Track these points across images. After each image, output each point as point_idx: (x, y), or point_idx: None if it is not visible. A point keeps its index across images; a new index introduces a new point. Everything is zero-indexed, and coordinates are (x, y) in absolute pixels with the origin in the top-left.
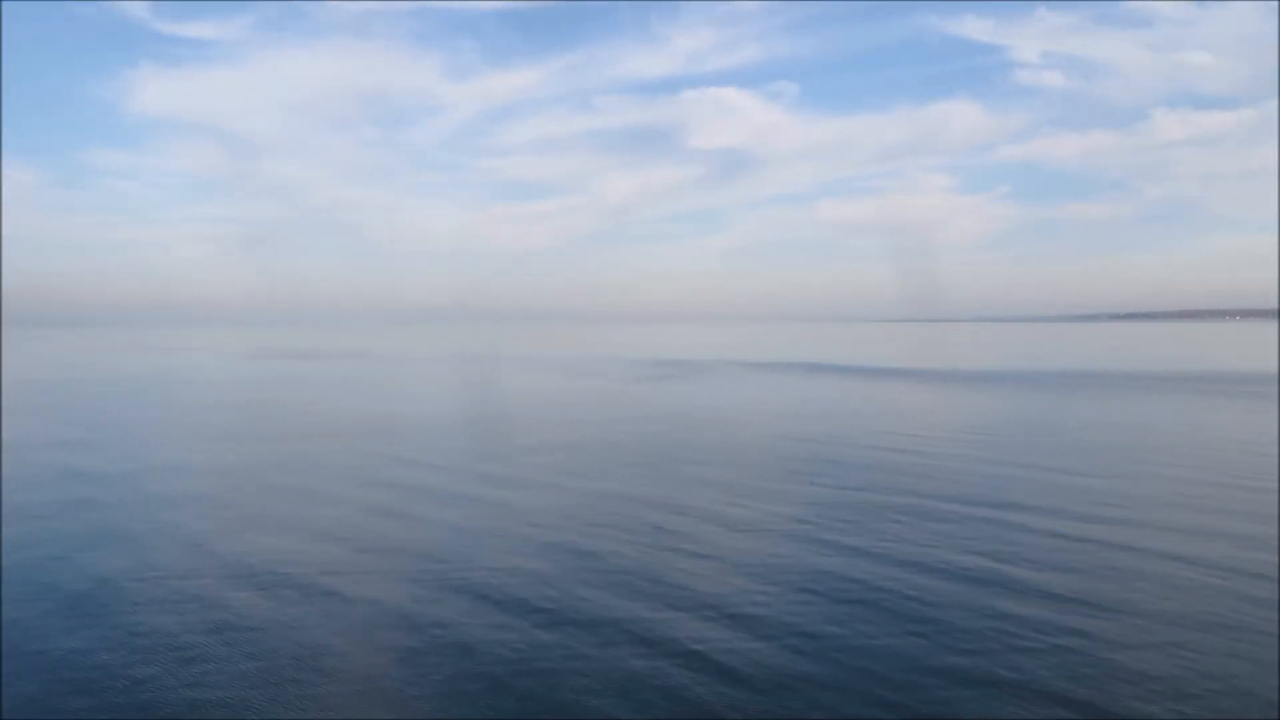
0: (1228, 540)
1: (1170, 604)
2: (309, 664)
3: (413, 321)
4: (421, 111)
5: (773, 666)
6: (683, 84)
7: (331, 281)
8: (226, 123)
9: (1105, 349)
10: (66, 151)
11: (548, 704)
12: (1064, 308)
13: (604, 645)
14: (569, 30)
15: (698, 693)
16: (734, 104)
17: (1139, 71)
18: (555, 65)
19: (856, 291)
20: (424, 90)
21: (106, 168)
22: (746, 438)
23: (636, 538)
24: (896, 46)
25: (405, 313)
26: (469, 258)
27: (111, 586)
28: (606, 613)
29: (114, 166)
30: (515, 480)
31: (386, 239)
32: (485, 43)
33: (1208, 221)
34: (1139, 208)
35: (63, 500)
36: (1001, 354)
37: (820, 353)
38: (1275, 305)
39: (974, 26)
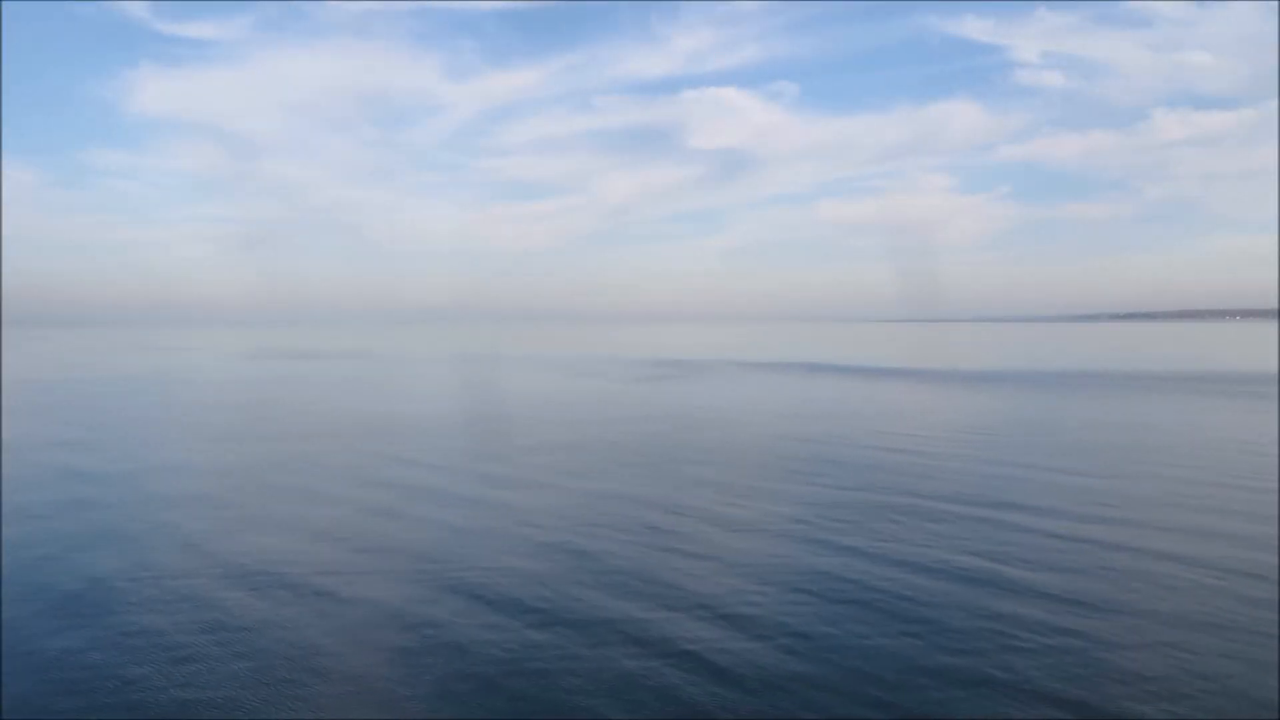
0: (1227, 541)
1: (1167, 604)
2: (301, 664)
3: (413, 321)
4: (421, 111)
5: (765, 666)
6: (683, 84)
7: (331, 281)
8: (226, 123)
9: (1105, 349)
10: (66, 151)
11: (540, 704)
12: (1064, 308)
13: (597, 645)
14: (569, 30)
15: (690, 693)
16: (734, 104)
17: (1139, 71)
18: (555, 65)
19: (856, 291)
20: (424, 90)
21: (106, 168)
22: (746, 438)
23: (633, 538)
24: (896, 46)
25: (405, 313)
26: (469, 258)
27: (105, 587)
28: (601, 613)
29: (114, 166)
30: (514, 480)
31: (386, 239)
32: (485, 43)
33: (1208, 221)
34: (1139, 208)
35: (61, 500)
36: (1001, 354)
37: (820, 353)
38: (1275, 305)
39: (974, 26)
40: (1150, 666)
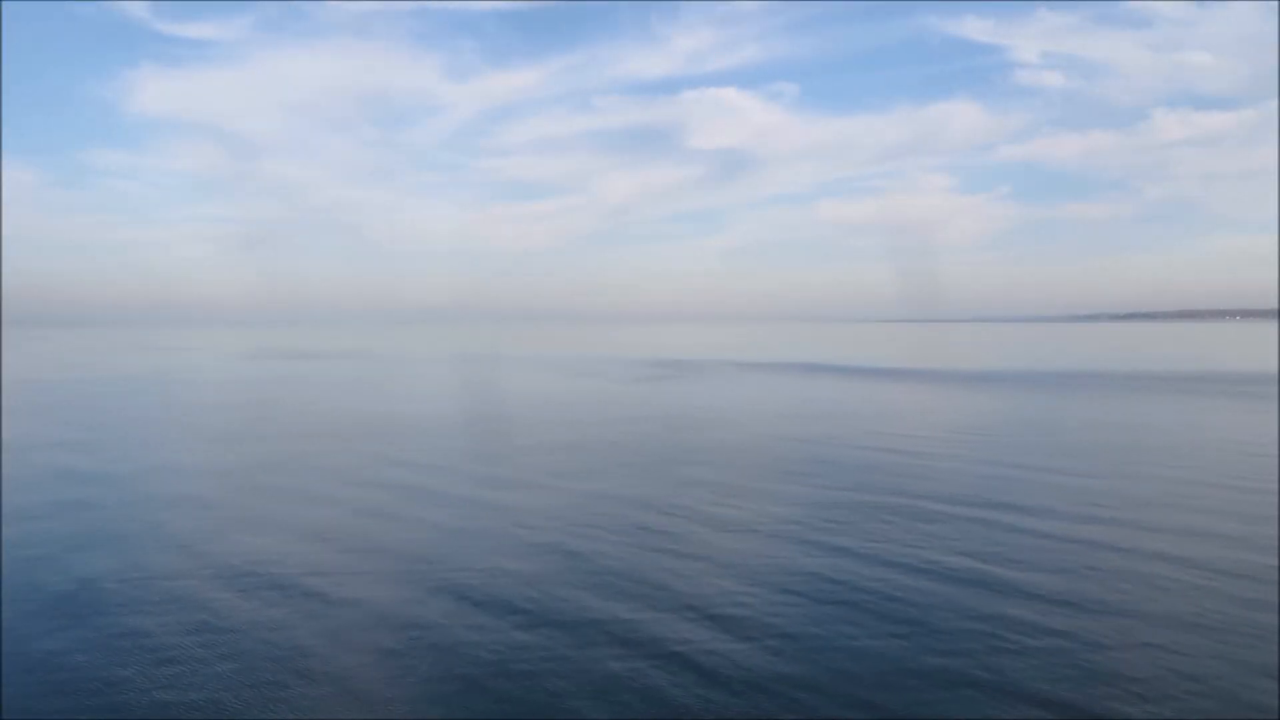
0: (1225, 542)
1: (1160, 605)
2: (286, 665)
3: (413, 321)
4: (421, 111)
5: (751, 667)
6: (683, 84)
7: (331, 281)
8: (226, 123)
9: (1105, 349)
10: (66, 151)
11: (524, 705)
12: (1064, 308)
13: (584, 646)
14: (569, 30)
15: (674, 694)
16: (734, 104)
17: (1139, 71)
18: (555, 65)
19: (856, 291)
20: (424, 90)
21: (106, 168)
22: (743, 438)
23: (625, 539)
24: (896, 46)
25: (405, 313)
26: (469, 258)
27: (95, 588)
28: (589, 614)
29: (114, 166)
30: (510, 481)
31: (386, 239)
32: (485, 43)
33: (1208, 221)
34: (1139, 208)
35: (57, 501)
36: (1001, 354)
37: (820, 353)
38: (1275, 305)
39: (974, 26)
40: (1140, 668)
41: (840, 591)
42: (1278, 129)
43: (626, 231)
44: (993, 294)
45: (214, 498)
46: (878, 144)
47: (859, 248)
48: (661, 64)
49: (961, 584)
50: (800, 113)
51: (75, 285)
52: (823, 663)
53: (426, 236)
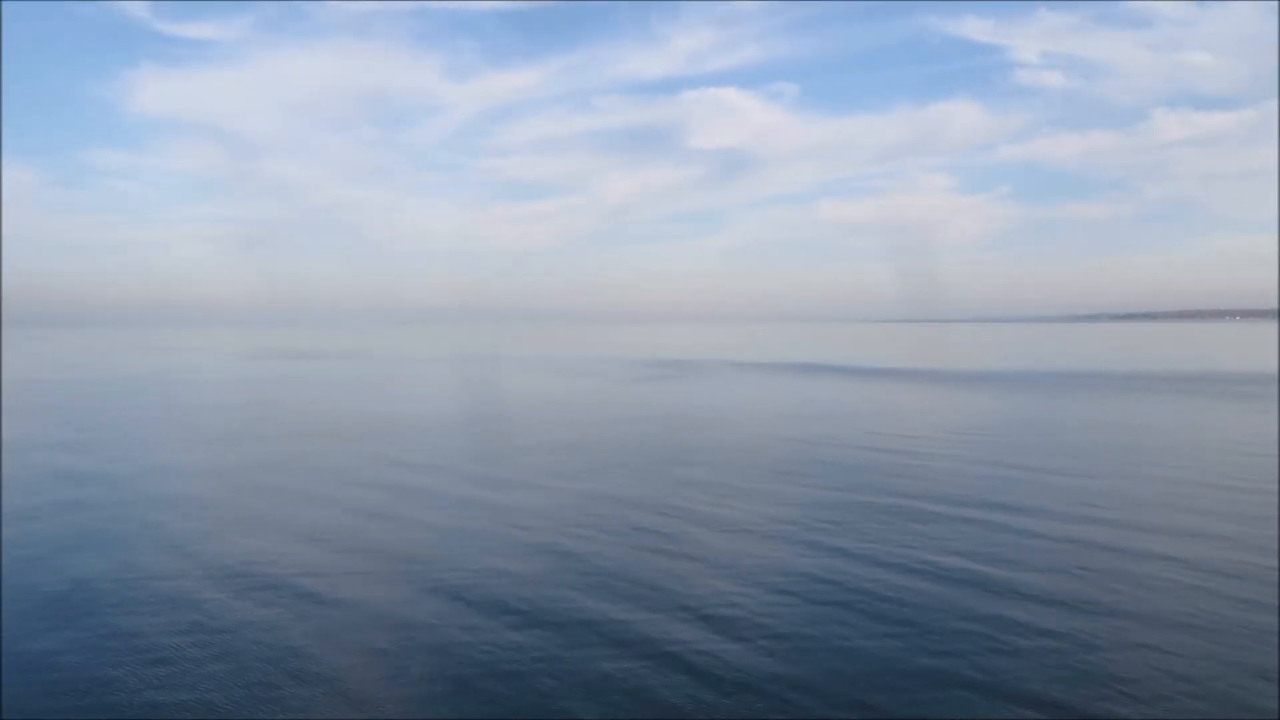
0: (1224, 543)
1: (1156, 606)
2: (278, 665)
3: (413, 321)
4: (421, 111)
5: (742, 667)
6: (682, 84)
7: (331, 281)
8: (226, 123)
9: (1105, 349)
10: (66, 151)
11: (514, 705)
12: (1064, 308)
13: (576, 646)
14: (569, 30)
15: (664, 694)
16: (734, 104)
17: (1139, 71)
18: (555, 65)
19: (856, 291)
20: (424, 90)
21: (106, 168)
22: (743, 438)
23: (621, 539)
24: (896, 46)
25: (405, 313)
26: (469, 258)
27: (90, 588)
28: (582, 614)
29: (114, 166)
30: (509, 481)
31: (386, 239)
32: (485, 43)
33: (1208, 221)
34: (1139, 208)
35: (56, 502)
36: (1001, 354)
37: (819, 353)
38: (1275, 305)
39: (974, 26)
40: (1135, 668)
41: (834, 592)
42: (1278, 129)
43: (626, 231)
44: (993, 294)
45: (212, 498)
46: (878, 144)
47: (859, 248)
48: (661, 64)
49: (956, 584)
50: (800, 113)
51: (75, 285)
52: (814, 663)
53: (426, 236)
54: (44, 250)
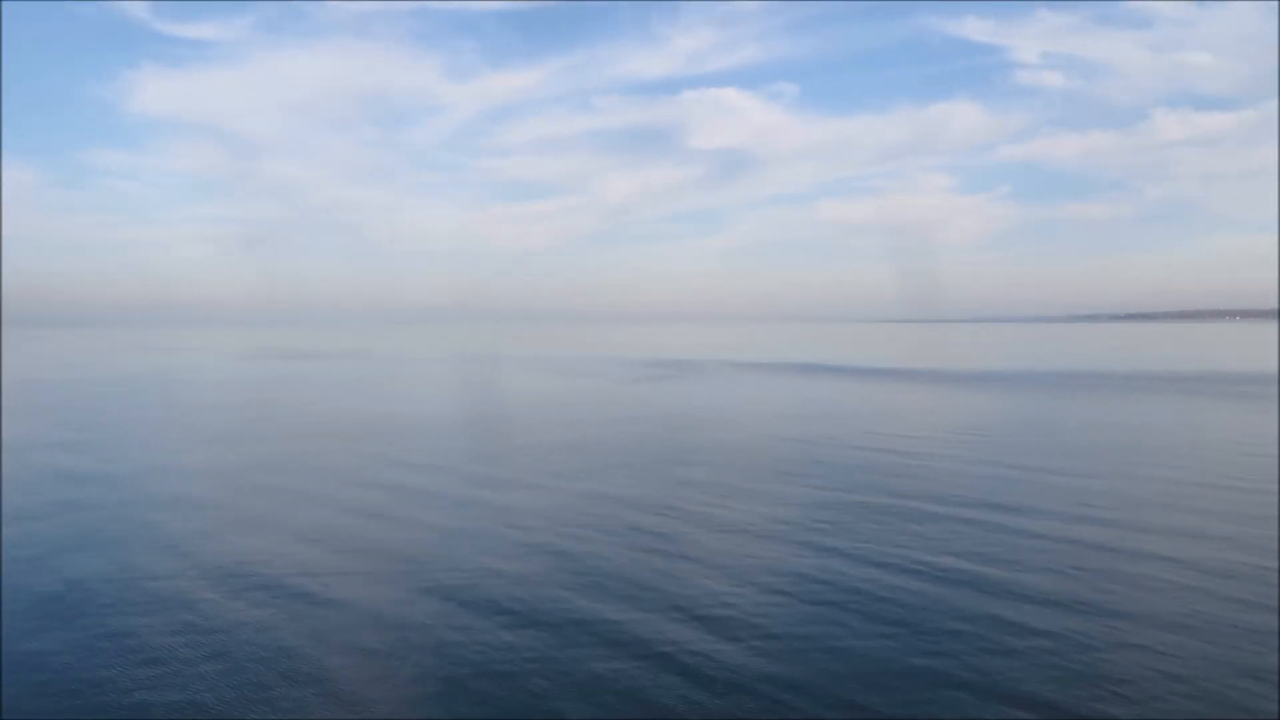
0: (1225, 543)
1: (1154, 606)
2: (270, 665)
3: (413, 321)
4: (421, 111)
5: (735, 667)
6: (682, 84)
7: (331, 281)
8: (226, 123)
9: (1105, 349)
10: (66, 151)
11: (505, 706)
12: (1064, 308)
13: (569, 647)
14: (569, 30)
15: (656, 694)
16: (734, 104)
17: (1139, 71)
18: (555, 65)
19: (856, 291)
20: (424, 90)
21: (106, 168)
22: (742, 438)
23: (619, 539)
24: (896, 46)
25: (405, 313)
26: (469, 258)
27: (85, 589)
28: (576, 614)
29: (114, 166)
30: (508, 481)
31: (386, 239)
32: (485, 43)
33: (1208, 221)
34: (1139, 208)
35: (55, 502)
36: (1001, 354)
37: (819, 353)
38: (1275, 305)
39: (974, 27)
40: (1131, 669)
41: (829, 592)
42: (1278, 129)
43: (626, 231)
44: (993, 294)
45: (211, 498)
46: (878, 144)
47: (859, 248)
48: (661, 64)
49: (953, 585)
50: (800, 113)
51: (75, 285)
52: (807, 663)
53: (426, 236)
54: (44, 250)
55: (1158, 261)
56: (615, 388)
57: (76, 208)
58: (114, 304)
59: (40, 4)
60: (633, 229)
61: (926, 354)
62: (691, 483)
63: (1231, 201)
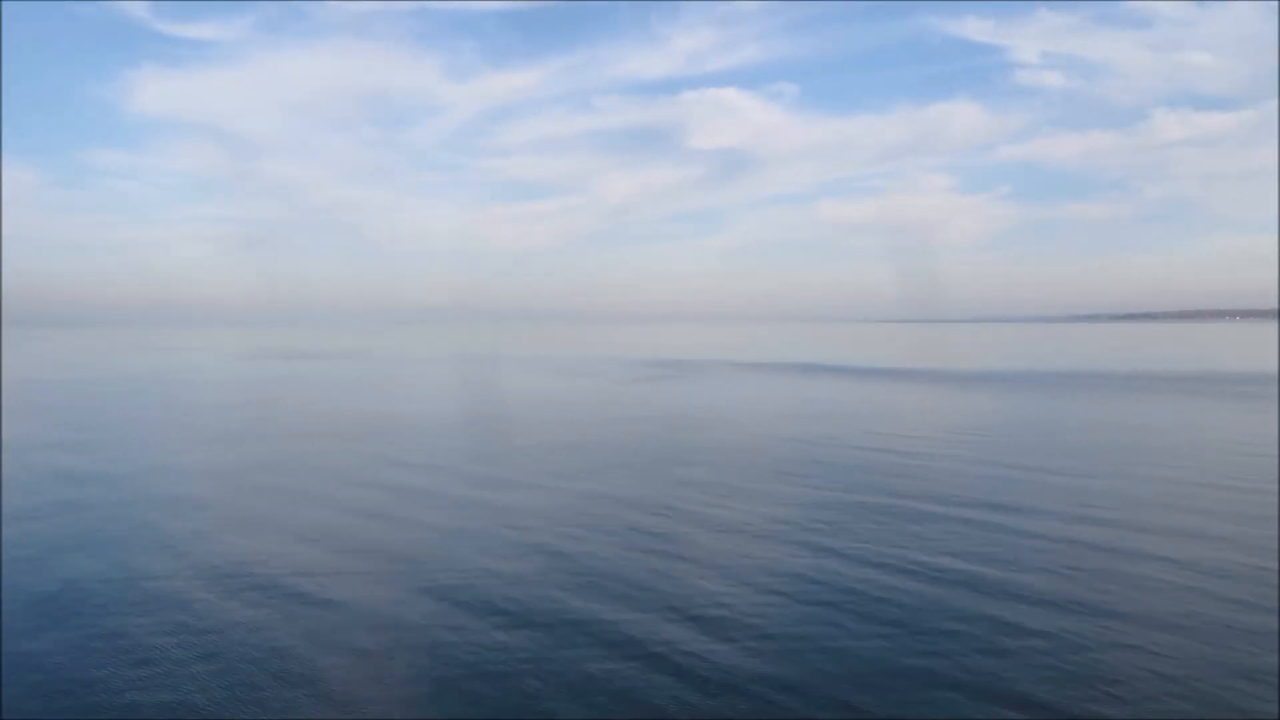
0: (1225, 543)
1: (1152, 606)
2: (263, 666)
3: (413, 321)
4: (421, 111)
5: (729, 668)
6: (683, 84)
7: (331, 281)
8: (226, 123)
9: (1105, 349)
10: (66, 151)
11: (499, 706)
12: (1064, 308)
13: (564, 647)
14: (569, 30)
15: (649, 694)
16: (734, 104)
17: (1139, 71)
18: (555, 65)
19: (856, 291)
20: (424, 90)
21: (106, 168)
22: (742, 439)
23: (616, 539)
24: (896, 46)
25: (405, 313)
26: (469, 258)
27: (81, 589)
28: (572, 614)
29: (114, 166)
30: (507, 482)
31: (386, 239)
32: (485, 43)
33: (1208, 221)
34: (1139, 208)
35: (54, 502)
36: (1001, 354)
37: (819, 353)
38: (1275, 305)
39: (974, 27)
40: (1128, 669)
41: (825, 592)
42: (1278, 129)
43: (626, 231)
44: (993, 294)
45: (210, 498)
46: (878, 144)
47: (859, 248)
48: (661, 64)
49: (950, 585)
50: (800, 113)
51: (75, 285)
52: (802, 663)
53: (426, 236)
54: (44, 250)
55: (1158, 261)
56: (615, 388)
57: (76, 208)
58: (114, 304)
59: (40, 4)
60: (633, 229)
61: (926, 354)
62: (691, 483)
63: (1231, 201)
